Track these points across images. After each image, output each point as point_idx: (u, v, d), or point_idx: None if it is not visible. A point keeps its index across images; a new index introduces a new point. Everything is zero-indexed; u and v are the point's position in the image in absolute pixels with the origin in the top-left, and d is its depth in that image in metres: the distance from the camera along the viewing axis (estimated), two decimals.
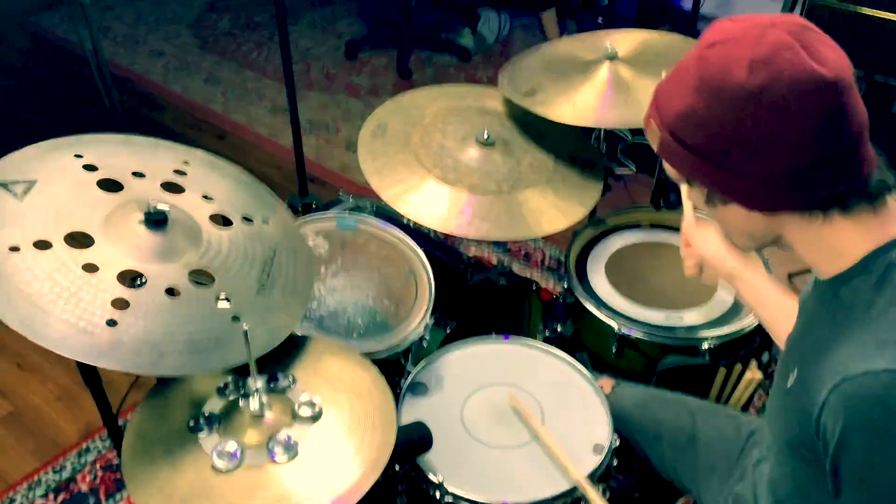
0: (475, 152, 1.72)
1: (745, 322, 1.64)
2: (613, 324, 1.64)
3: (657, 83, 1.00)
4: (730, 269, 1.37)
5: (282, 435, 1.15)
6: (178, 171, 1.36)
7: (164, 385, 1.25)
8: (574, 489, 1.33)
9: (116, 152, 1.35)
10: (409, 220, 1.73)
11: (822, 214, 0.93)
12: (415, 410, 1.47)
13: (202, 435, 1.17)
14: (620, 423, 1.47)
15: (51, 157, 1.26)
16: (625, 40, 1.85)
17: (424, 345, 1.63)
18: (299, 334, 1.33)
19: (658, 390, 1.56)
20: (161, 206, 1.20)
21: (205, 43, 4.13)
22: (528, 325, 1.98)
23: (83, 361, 1.06)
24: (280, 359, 1.27)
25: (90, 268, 1.11)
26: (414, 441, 1.30)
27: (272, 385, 1.23)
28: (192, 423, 1.18)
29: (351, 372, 1.28)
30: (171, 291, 1.15)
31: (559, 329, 1.84)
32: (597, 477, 1.36)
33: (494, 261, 2.69)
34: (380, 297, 1.67)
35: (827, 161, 0.89)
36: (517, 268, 2.66)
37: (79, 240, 1.14)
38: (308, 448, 1.15)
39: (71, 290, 1.08)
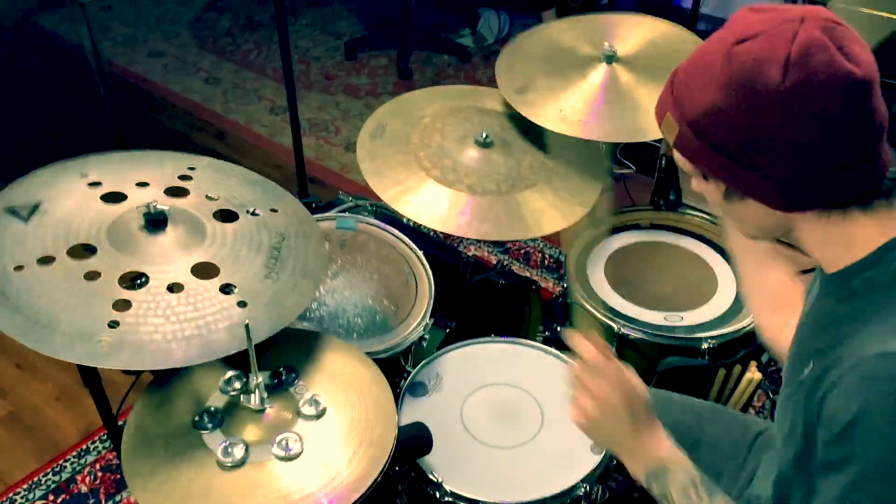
0: (474, 153, 1.71)
1: (745, 322, 1.64)
2: (613, 324, 1.64)
3: (671, 71, 0.97)
4: (730, 247, 1.33)
5: (285, 432, 1.15)
6: (182, 177, 1.36)
7: (162, 381, 1.25)
8: (573, 488, 1.33)
9: (121, 167, 1.38)
10: (408, 220, 1.73)
11: (841, 212, 0.92)
12: (414, 410, 1.47)
13: (205, 432, 1.17)
14: None
15: (57, 179, 1.30)
16: (630, 34, 1.84)
17: (424, 345, 1.63)
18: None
19: (662, 391, 1.55)
20: (160, 207, 1.21)
21: (204, 43, 4.13)
22: (528, 325, 1.98)
23: (87, 365, 1.06)
24: (283, 355, 1.28)
25: (92, 276, 1.13)
26: (414, 443, 1.30)
27: (275, 382, 1.23)
28: (195, 420, 1.18)
29: (352, 369, 1.28)
30: (172, 288, 1.16)
31: (559, 329, 1.84)
32: (596, 477, 1.36)
33: (494, 261, 2.69)
34: (379, 297, 1.67)
35: (853, 161, 0.88)
36: (517, 268, 2.66)
37: (82, 251, 1.16)
38: (311, 445, 1.15)
39: (73, 300, 1.09)
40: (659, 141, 1.77)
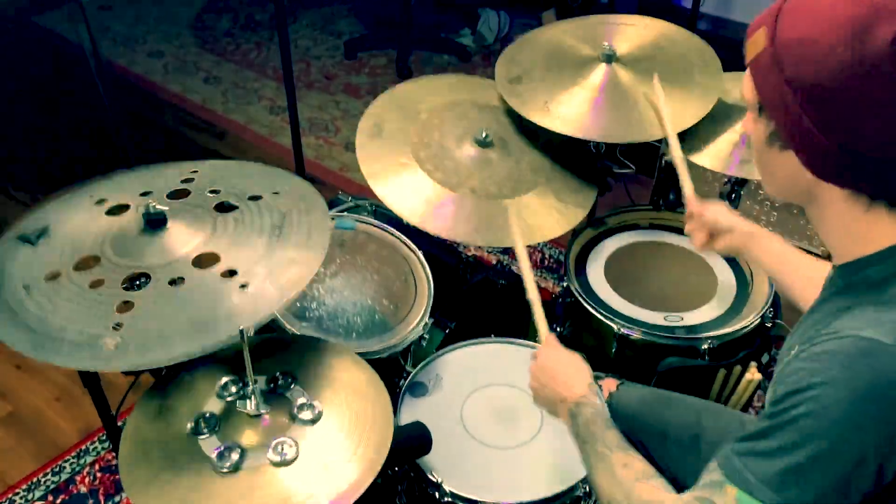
0: (474, 152, 1.71)
1: (745, 323, 1.64)
2: (613, 325, 1.64)
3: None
4: (748, 229, 1.33)
5: (281, 436, 1.15)
6: (186, 180, 1.36)
7: (160, 387, 1.25)
8: (573, 489, 1.33)
9: (126, 181, 1.39)
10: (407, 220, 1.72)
11: (868, 201, 0.88)
12: (414, 410, 1.47)
13: (202, 437, 1.17)
14: (625, 422, 1.46)
15: (66, 203, 1.34)
16: (629, 34, 1.84)
17: (424, 345, 1.63)
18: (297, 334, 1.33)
19: (662, 391, 1.55)
20: (159, 208, 1.21)
21: (204, 43, 4.13)
22: (528, 325, 1.97)
23: (91, 370, 1.07)
24: (278, 360, 1.27)
25: (96, 284, 1.15)
26: (413, 443, 1.29)
27: (271, 387, 1.23)
28: (192, 426, 1.18)
29: (348, 372, 1.28)
30: (173, 282, 1.16)
31: (559, 330, 1.84)
32: None
33: (494, 261, 2.69)
34: (379, 297, 1.67)
35: None
36: (516, 268, 2.66)
37: (88, 263, 1.18)
38: (307, 449, 1.14)
39: (79, 309, 1.11)
40: (659, 141, 1.77)
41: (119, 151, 2.20)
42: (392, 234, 1.77)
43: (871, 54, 0.79)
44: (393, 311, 1.65)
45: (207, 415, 1.19)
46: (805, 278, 1.20)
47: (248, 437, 1.16)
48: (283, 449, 1.13)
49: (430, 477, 1.33)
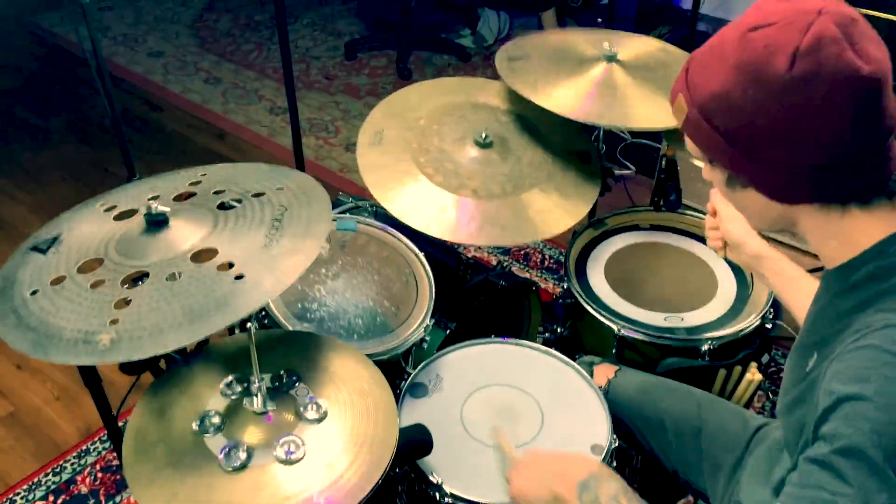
0: (475, 153, 1.71)
1: (745, 324, 1.64)
2: (613, 325, 1.64)
3: (690, 55, 0.98)
4: (756, 249, 1.34)
5: (287, 435, 1.15)
6: (193, 183, 1.37)
7: (162, 384, 1.25)
8: None
9: (136, 188, 1.39)
10: None
11: (840, 207, 0.93)
12: (414, 411, 1.47)
13: (207, 435, 1.17)
14: (623, 409, 1.47)
15: (78, 213, 1.34)
16: (632, 45, 1.86)
17: (424, 346, 1.63)
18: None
19: (662, 378, 1.54)
20: (161, 208, 1.21)
21: (204, 43, 4.13)
22: (528, 326, 1.98)
23: (87, 364, 1.07)
24: (283, 358, 1.28)
25: (97, 284, 1.15)
26: (414, 444, 1.30)
27: (276, 385, 1.23)
28: (197, 424, 1.18)
29: (353, 371, 1.28)
30: (171, 277, 1.16)
31: (559, 330, 1.84)
32: None
33: (494, 262, 2.69)
34: (380, 298, 1.67)
35: (854, 158, 0.88)
36: (516, 269, 2.66)
37: (91, 266, 1.18)
38: (313, 448, 1.15)
39: (78, 308, 1.11)
40: (659, 141, 1.77)
41: (119, 151, 2.19)
42: (393, 236, 1.78)
43: (777, 85, 0.86)
44: (394, 312, 1.65)
45: (212, 413, 1.19)
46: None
47: (254, 436, 1.16)
48: (289, 447, 1.13)
49: (431, 478, 1.33)
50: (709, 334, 1.63)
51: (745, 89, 0.88)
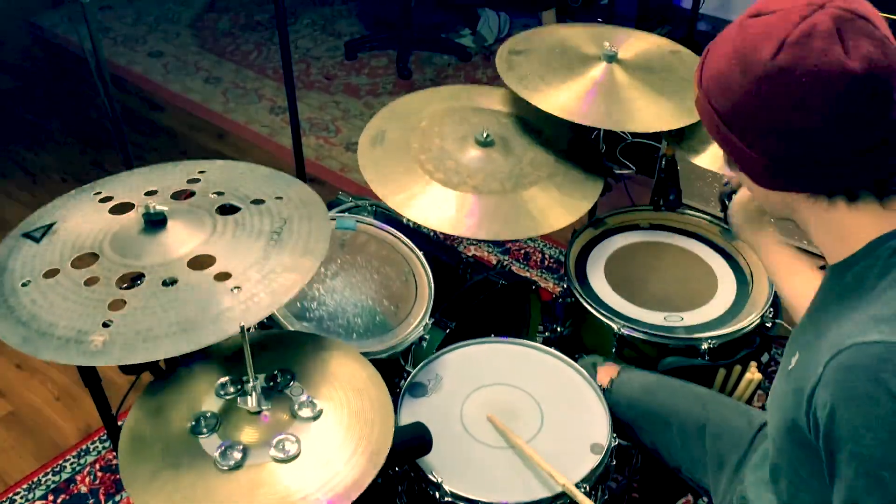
0: (476, 152, 1.72)
1: (745, 323, 1.64)
2: (613, 325, 1.64)
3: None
4: (753, 238, 1.35)
5: (282, 434, 1.15)
6: (192, 181, 1.36)
7: (158, 385, 1.25)
8: None
9: (133, 180, 1.39)
10: (408, 220, 1.72)
11: (826, 200, 0.94)
12: (414, 411, 1.47)
13: (202, 435, 1.17)
14: (627, 408, 1.47)
15: (73, 200, 1.34)
16: (635, 44, 1.86)
17: (424, 345, 1.63)
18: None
19: (665, 377, 1.54)
20: (159, 208, 1.21)
21: (204, 43, 4.13)
22: (528, 325, 1.98)
23: (78, 365, 1.07)
24: (278, 358, 1.27)
25: (91, 281, 1.15)
26: (413, 443, 1.29)
27: (270, 384, 1.23)
28: (192, 424, 1.18)
29: (348, 369, 1.28)
30: (167, 282, 1.16)
31: (559, 329, 1.84)
32: (595, 477, 1.36)
33: (494, 261, 2.69)
34: (379, 297, 1.67)
35: (836, 155, 0.88)
36: (516, 268, 2.66)
37: (86, 261, 1.18)
38: (308, 446, 1.15)
39: (71, 305, 1.11)
40: (659, 141, 1.77)
41: (119, 151, 2.19)
42: (392, 235, 1.78)
43: (759, 72, 0.88)
44: (393, 311, 1.65)
45: (207, 413, 1.19)
46: (806, 295, 1.20)
47: (249, 435, 1.16)
48: (285, 446, 1.13)
49: (430, 477, 1.33)
50: (708, 333, 1.63)
51: (735, 73, 0.91)
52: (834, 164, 0.89)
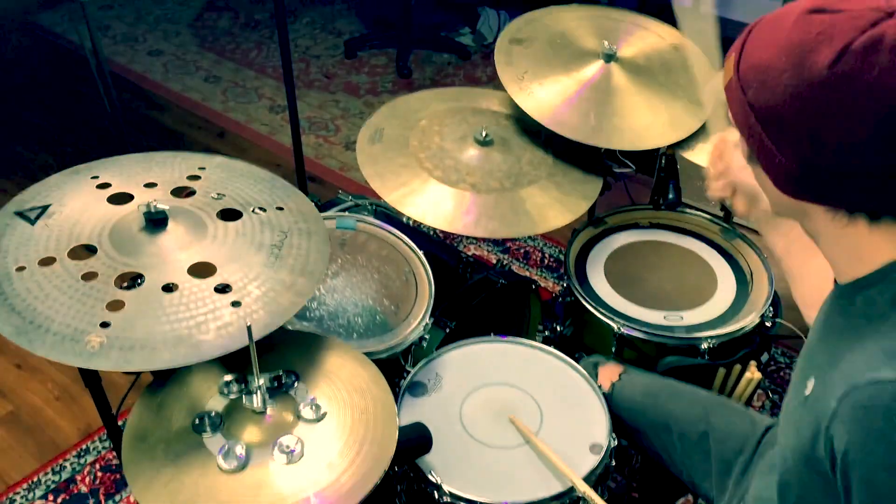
0: (474, 151, 1.72)
1: (745, 322, 1.64)
2: (613, 324, 1.64)
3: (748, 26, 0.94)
4: (765, 216, 1.28)
5: (285, 435, 1.15)
6: (192, 177, 1.36)
7: (160, 384, 1.25)
8: (573, 489, 1.33)
9: (132, 168, 1.37)
10: (408, 219, 1.72)
11: (847, 216, 0.88)
12: (414, 410, 1.47)
13: (206, 434, 1.17)
14: (628, 412, 1.46)
15: (68, 182, 1.31)
16: (640, 39, 1.85)
17: (424, 345, 1.63)
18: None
19: (668, 380, 1.53)
20: (160, 207, 1.21)
21: (204, 42, 4.13)
22: (528, 324, 1.98)
23: (74, 365, 1.06)
24: (282, 358, 1.27)
25: (89, 276, 1.13)
26: (413, 443, 1.29)
27: (275, 385, 1.23)
28: (196, 423, 1.18)
29: (352, 370, 1.28)
30: (167, 288, 1.15)
31: (559, 329, 1.84)
32: (595, 477, 1.36)
33: (494, 260, 2.69)
34: (379, 297, 1.67)
35: (872, 174, 0.83)
36: (516, 267, 2.66)
37: (83, 252, 1.16)
38: (311, 447, 1.15)
39: (68, 300, 1.09)
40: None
41: (119, 151, 2.20)
42: (392, 234, 1.78)
43: (813, 76, 0.81)
44: (394, 311, 1.65)
45: (211, 413, 1.19)
46: (816, 276, 1.17)
47: (253, 435, 1.16)
48: (288, 447, 1.13)
49: (430, 477, 1.33)
50: (708, 333, 1.63)
51: (783, 71, 0.83)
52: (868, 180, 0.84)
